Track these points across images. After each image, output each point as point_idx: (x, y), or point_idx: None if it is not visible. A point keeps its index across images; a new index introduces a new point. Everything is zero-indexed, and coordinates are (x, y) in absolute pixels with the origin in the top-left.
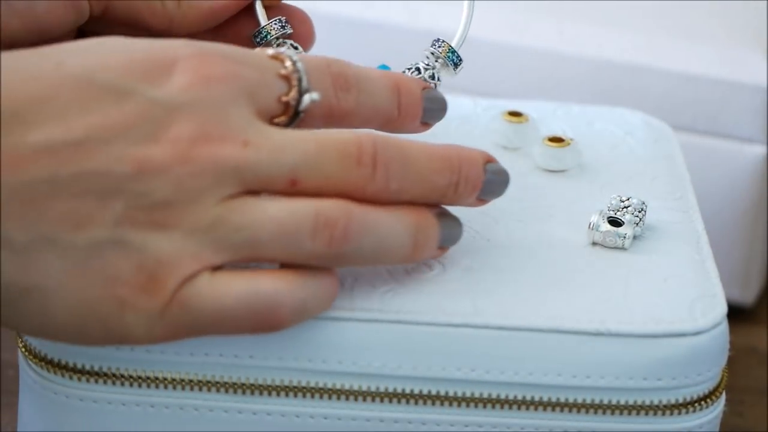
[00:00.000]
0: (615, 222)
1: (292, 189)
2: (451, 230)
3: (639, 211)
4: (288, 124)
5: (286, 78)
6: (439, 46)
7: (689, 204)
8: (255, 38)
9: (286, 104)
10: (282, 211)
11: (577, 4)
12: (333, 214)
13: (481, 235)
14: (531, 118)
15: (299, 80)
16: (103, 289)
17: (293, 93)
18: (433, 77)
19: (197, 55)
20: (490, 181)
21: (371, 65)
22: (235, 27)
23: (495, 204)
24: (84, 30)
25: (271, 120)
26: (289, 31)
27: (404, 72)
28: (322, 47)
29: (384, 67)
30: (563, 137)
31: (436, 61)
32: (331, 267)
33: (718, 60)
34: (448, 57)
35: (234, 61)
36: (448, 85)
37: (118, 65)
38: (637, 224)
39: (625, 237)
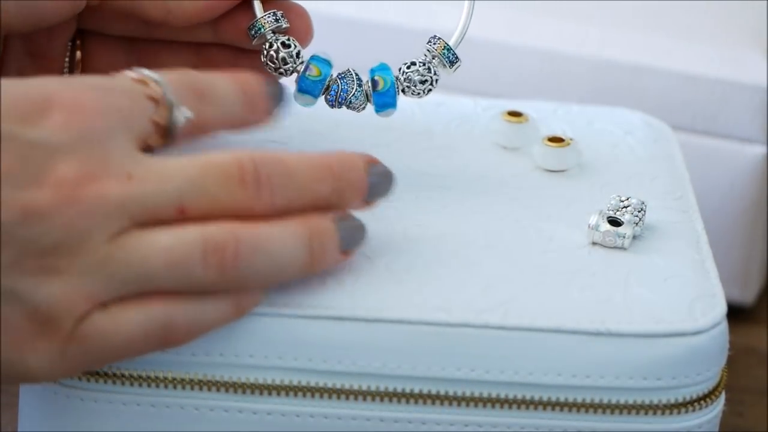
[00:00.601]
0: (615, 222)
1: (181, 217)
2: (352, 232)
3: (639, 211)
4: (163, 144)
5: (155, 99)
6: (434, 44)
7: (689, 204)
8: (250, 31)
9: (158, 125)
10: (170, 241)
11: (577, 4)
12: (221, 239)
13: (481, 235)
14: (531, 118)
15: (167, 99)
16: (1, 338)
17: (164, 113)
18: (429, 70)
19: (70, 90)
20: (375, 184)
21: (370, 65)
22: (233, 21)
23: (494, 204)
24: (82, 28)
25: (146, 143)
26: (284, 24)
27: (400, 68)
28: (321, 47)
29: (383, 66)
30: (563, 137)
31: (433, 58)
32: (228, 290)
33: (718, 60)
34: (443, 54)
35: (105, 91)
36: (449, 85)
37: None
38: (636, 224)
39: (624, 237)
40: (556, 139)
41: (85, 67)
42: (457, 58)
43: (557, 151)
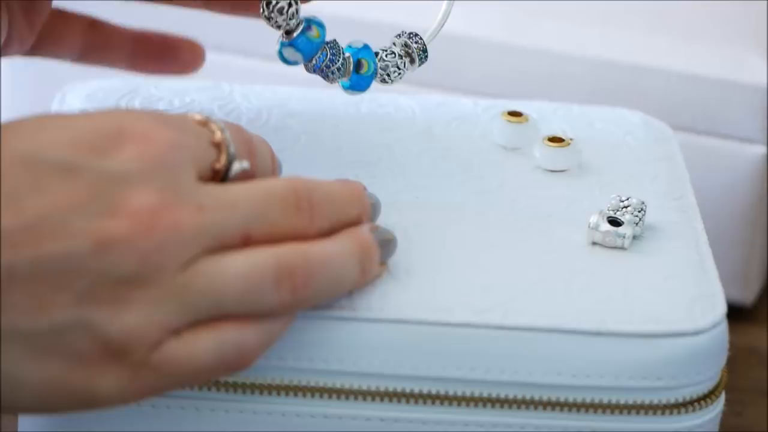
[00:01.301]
0: (615, 222)
1: (246, 243)
2: (386, 244)
3: (638, 211)
4: None
5: (217, 146)
6: (415, 41)
7: (689, 204)
8: None
9: (217, 172)
10: (243, 268)
11: (577, 4)
12: (292, 262)
13: (481, 235)
14: (531, 118)
15: (228, 148)
16: (70, 366)
17: (224, 161)
18: (404, 65)
19: (142, 123)
20: (374, 207)
21: None
22: None
23: (495, 204)
24: None
25: (203, 181)
26: None
27: (378, 54)
28: None
29: (367, 48)
30: (563, 137)
31: (408, 54)
32: (293, 312)
33: (718, 60)
34: (420, 55)
35: (175, 128)
36: (449, 85)
37: (63, 141)
38: (636, 224)
39: (624, 237)
40: (556, 139)
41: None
42: (426, 58)
43: (557, 151)
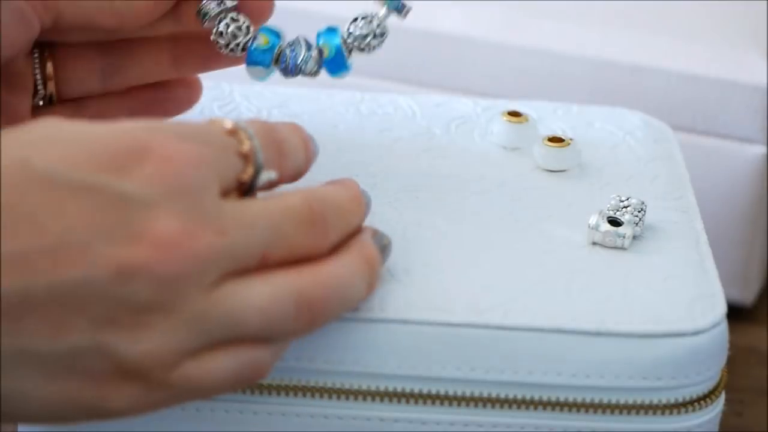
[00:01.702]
0: (615, 222)
1: (263, 263)
2: (385, 249)
3: (638, 211)
4: (238, 198)
5: (245, 156)
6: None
7: (689, 204)
8: (198, 16)
9: (242, 183)
10: (263, 299)
11: (577, 4)
12: (312, 293)
13: (481, 235)
14: (531, 118)
15: (256, 159)
16: (85, 386)
17: (250, 171)
18: (371, 22)
19: (164, 141)
20: (366, 207)
21: (370, 65)
22: (191, 6)
23: (495, 204)
24: (48, 41)
25: (225, 196)
26: (230, 4)
27: (351, 23)
28: None
29: (329, 30)
30: (563, 137)
31: (372, 20)
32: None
33: (718, 60)
34: (389, 4)
35: (199, 142)
36: (449, 85)
37: (81, 158)
38: (636, 224)
39: (624, 237)
40: (556, 139)
41: (59, 76)
42: (403, 4)
43: (557, 151)
